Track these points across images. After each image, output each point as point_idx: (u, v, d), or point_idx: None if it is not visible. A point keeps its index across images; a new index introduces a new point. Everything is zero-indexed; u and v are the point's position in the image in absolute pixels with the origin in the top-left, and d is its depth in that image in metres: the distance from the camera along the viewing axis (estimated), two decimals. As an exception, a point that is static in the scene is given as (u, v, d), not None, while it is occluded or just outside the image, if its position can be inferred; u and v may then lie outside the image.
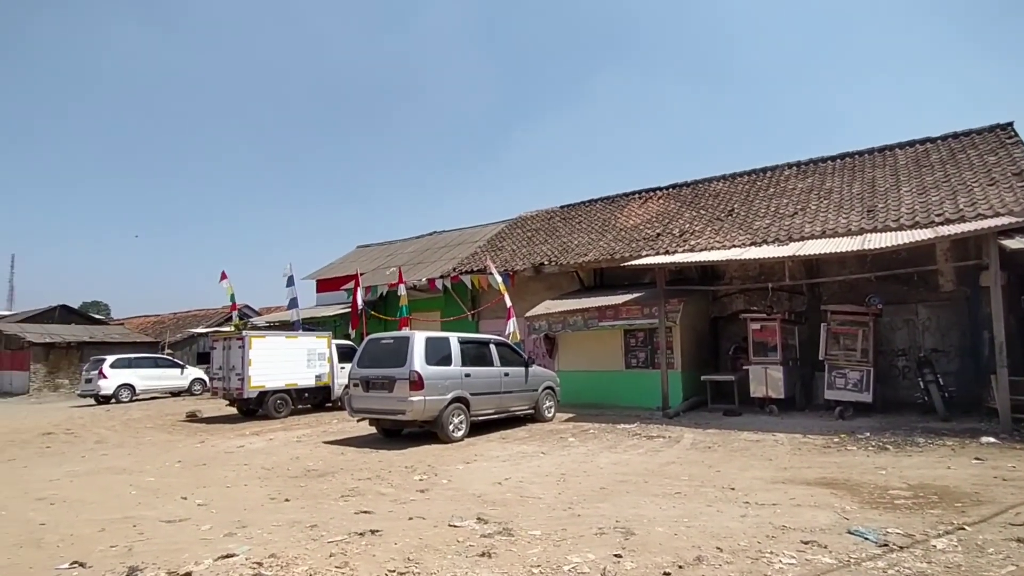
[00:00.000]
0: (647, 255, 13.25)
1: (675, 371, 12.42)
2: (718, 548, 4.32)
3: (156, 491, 6.80)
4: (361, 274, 16.87)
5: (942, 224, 10.36)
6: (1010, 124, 13.44)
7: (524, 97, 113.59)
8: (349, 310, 16.88)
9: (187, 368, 22.28)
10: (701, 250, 12.75)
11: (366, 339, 10.43)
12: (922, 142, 14.38)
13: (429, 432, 9.60)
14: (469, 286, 16.43)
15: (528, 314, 14.06)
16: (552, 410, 11.71)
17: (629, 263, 12.74)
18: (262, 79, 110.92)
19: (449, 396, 9.41)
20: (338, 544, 4.60)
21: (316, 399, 14.81)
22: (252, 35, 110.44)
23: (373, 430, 10.50)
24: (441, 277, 17.11)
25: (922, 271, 10.80)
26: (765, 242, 12.09)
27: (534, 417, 11.40)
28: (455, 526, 5.00)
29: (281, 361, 13.74)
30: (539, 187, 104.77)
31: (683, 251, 12.99)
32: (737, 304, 13.54)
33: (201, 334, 28.16)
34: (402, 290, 15.29)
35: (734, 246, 12.40)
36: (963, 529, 4.62)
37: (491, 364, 10.44)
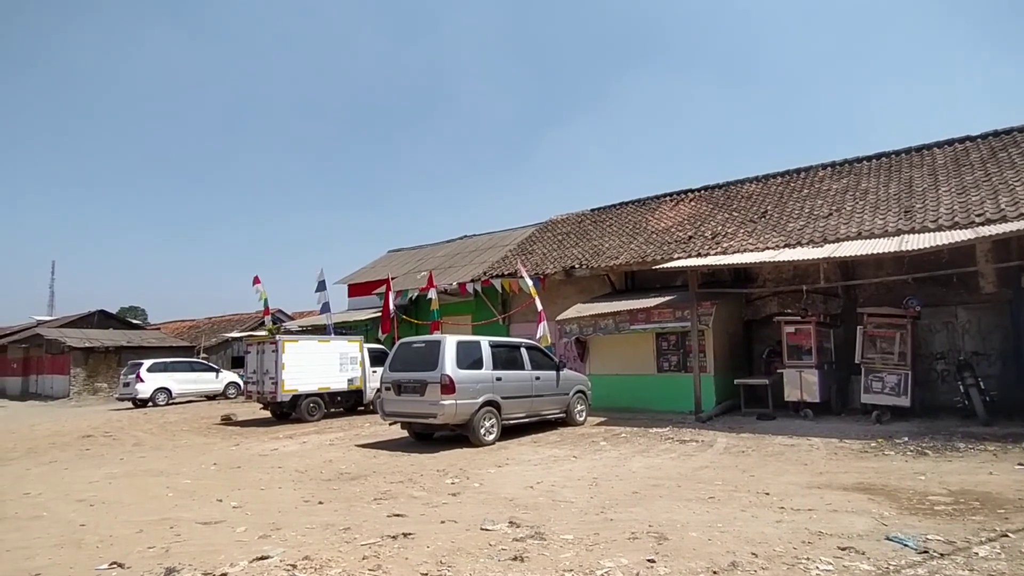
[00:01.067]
0: (679, 257, 13.18)
1: (708, 375, 12.31)
2: (753, 554, 4.30)
3: (192, 493, 6.98)
4: (392, 278, 17.18)
5: (983, 224, 10.08)
6: (1054, 120, 12.98)
7: (552, 100, 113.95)
8: (380, 314, 17.18)
9: (222, 372, 22.86)
10: (734, 252, 12.63)
11: (397, 343, 10.61)
12: (961, 141, 14.00)
13: (460, 436, 9.71)
14: (500, 290, 16.56)
15: (559, 318, 14.11)
16: (584, 414, 11.72)
17: (660, 266, 12.68)
18: (295, 84, 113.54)
19: (480, 400, 9.52)
20: (371, 547, 4.69)
21: (348, 403, 15.06)
22: (284, 41, 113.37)
23: (405, 434, 10.66)
24: (472, 281, 17.28)
25: (962, 273, 10.47)
26: (799, 244, 11.91)
27: (565, 421, 11.41)
28: (487, 529, 5.08)
29: (314, 365, 14.03)
30: (569, 190, 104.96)
31: (715, 253, 12.88)
32: (771, 307, 13.35)
33: (235, 338, 28.96)
34: (433, 294, 15.51)
35: (767, 248, 12.25)
36: (1006, 536, 4.51)
37: (522, 368, 10.51)
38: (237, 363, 27.30)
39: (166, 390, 20.28)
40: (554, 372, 11.04)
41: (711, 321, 12.07)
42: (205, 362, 23.95)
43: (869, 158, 15.01)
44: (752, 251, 12.35)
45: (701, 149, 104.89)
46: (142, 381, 19.73)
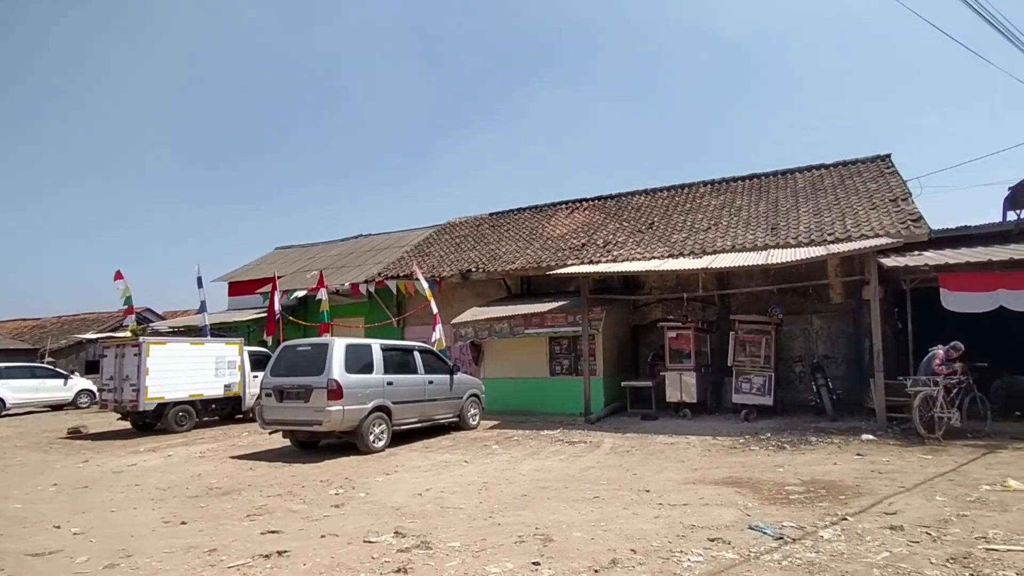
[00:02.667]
0: (572, 264, 13.58)
1: (597, 377, 12.76)
2: (632, 550, 4.46)
3: (22, 520, 6.03)
4: (279, 277, 16.17)
5: (833, 243, 11.29)
6: (888, 155, 14.98)
7: (453, 104, 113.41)
8: (265, 315, 16.11)
9: (72, 378, 20.01)
10: (623, 260, 13.23)
11: (281, 346, 9.99)
12: (817, 168, 15.67)
13: (349, 443, 9.31)
14: (395, 292, 16.15)
15: (454, 321, 14.01)
16: (477, 418, 11.69)
17: (554, 271, 13.00)
18: (172, 65, 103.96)
19: (370, 405, 9.17)
20: (239, 569, 4.33)
21: (225, 410, 13.92)
22: (165, 25, 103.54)
23: (287, 443, 10.05)
24: (366, 282, 16.70)
25: (816, 285, 11.72)
26: (682, 254, 12.70)
27: (459, 425, 11.32)
28: (370, 542, 4.86)
29: (184, 370, 12.80)
30: (468, 194, 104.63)
31: (606, 261, 13.42)
32: (656, 313, 14.12)
33: (90, 340, 25.74)
34: (323, 295, 14.80)
35: (653, 257, 12.95)
36: (846, 520, 5.05)
37: (415, 372, 10.29)
38: (92, 368, 24.30)
39: (-3, 399, 17.39)
40: (447, 376, 10.92)
41: (601, 326, 12.54)
42: (50, 367, 21.00)
43: (743, 178, 16.39)
44: (640, 260, 13.01)
45: (596, 160, 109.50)
46: (-37, 390, 16.77)
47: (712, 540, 4.60)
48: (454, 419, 11.18)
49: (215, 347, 13.64)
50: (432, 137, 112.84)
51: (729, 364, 11.72)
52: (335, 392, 8.74)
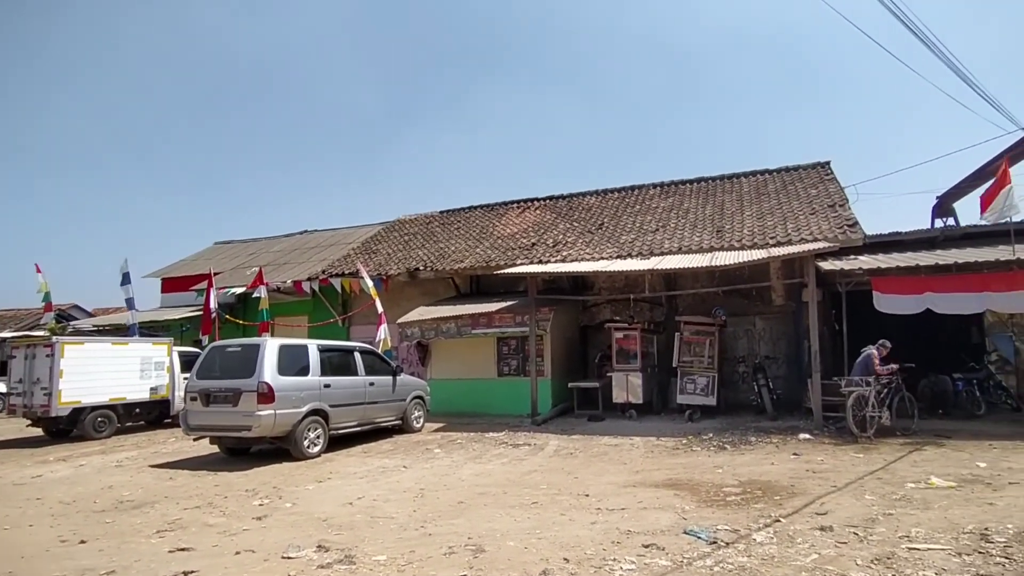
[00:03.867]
0: (521, 263, 13.43)
1: (545, 378, 12.64)
2: (565, 559, 4.31)
3: None
4: (216, 273, 15.39)
5: (775, 246, 11.52)
6: (828, 163, 15.47)
7: (408, 101, 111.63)
8: (200, 313, 15.30)
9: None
10: (572, 261, 13.16)
11: (207, 347, 9.45)
12: (762, 173, 16.03)
13: (282, 449, 8.86)
14: (340, 290, 15.61)
15: (400, 320, 13.64)
16: (421, 420, 11.39)
17: (503, 271, 12.82)
18: (100, 44, 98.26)
19: (304, 409, 8.74)
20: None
21: (152, 415, 13.06)
22: (100, 4, 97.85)
23: (216, 449, 9.50)
24: (309, 279, 16.10)
25: (759, 287, 11.94)
26: (630, 255, 12.73)
27: (402, 428, 11.00)
28: (289, 558, 4.53)
29: (104, 372, 11.90)
30: (420, 191, 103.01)
31: (555, 261, 13.32)
32: (604, 314, 14.12)
33: (2, 339, 23.86)
34: (263, 292, 14.15)
35: (602, 258, 12.93)
36: (779, 521, 5.04)
37: (355, 373, 9.90)
38: (2, 370, 22.42)
39: None
40: (390, 377, 10.57)
41: (549, 326, 12.43)
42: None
43: (691, 181, 16.62)
44: (589, 260, 12.97)
45: (549, 160, 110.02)
46: None
47: (647, 546, 4.49)
48: (397, 422, 10.85)
49: (141, 347, 12.82)
50: (384, 133, 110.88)
51: (675, 365, 11.81)
52: (266, 395, 8.28)
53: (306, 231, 22.99)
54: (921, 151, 79.00)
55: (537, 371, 12.34)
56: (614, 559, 4.26)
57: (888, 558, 4.07)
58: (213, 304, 14.20)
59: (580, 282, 14.31)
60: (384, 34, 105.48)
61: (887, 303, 9.43)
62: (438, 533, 5.09)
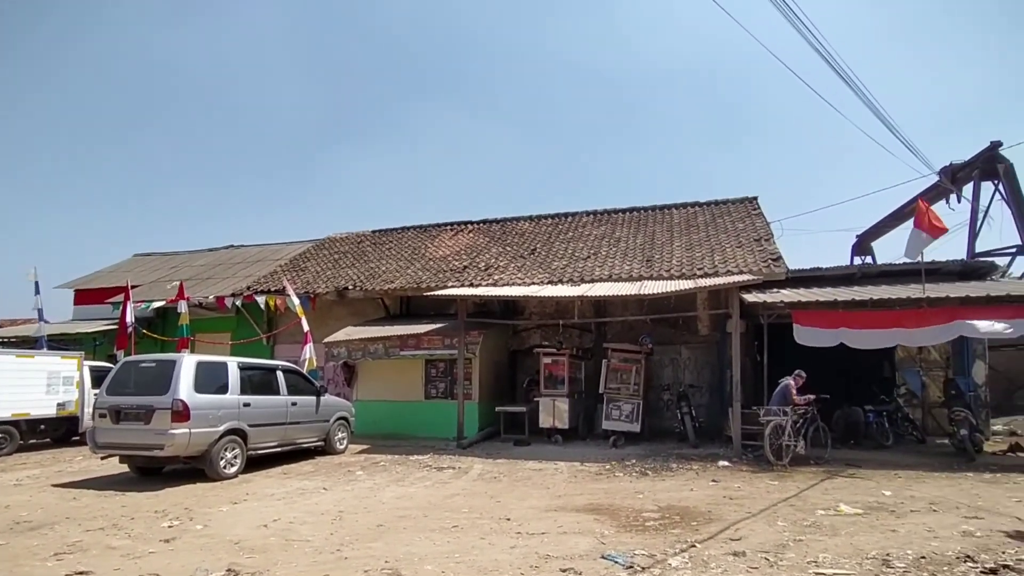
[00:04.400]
0: (453, 286, 13.46)
1: (472, 402, 12.62)
2: (481, 583, 4.32)
3: None
4: (134, 286, 14.51)
5: (702, 277, 12.06)
6: (755, 198, 16.39)
7: (344, 119, 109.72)
8: (116, 327, 14.35)
9: None
10: (504, 285, 13.31)
11: (119, 363, 8.93)
12: (692, 205, 16.78)
13: (198, 469, 8.42)
14: (264, 307, 15.07)
15: (327, 340, 13.30)
16: (345, 442, 11.11)
17: (434, 293, 12.81)
18: (21, 52, 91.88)
19: (222, 428, 8.37)
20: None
21: (58, 432, 12.21)
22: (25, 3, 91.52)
23: (126, 468, 8.92)
24: (233, 295, 15.46)
25: (686, 316, 12.46)
26: (561, 281, 13.00)
27: (325, 450, 10.70)
28: (193, 583, 4.32)
29: (7, 385, 11.07)
30: (353, 210, 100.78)
31: (487, 285, 13.44)
32: (534, 339, 14.31)
33: None
34: (183, 307, 13.45)
35: (534, 283, 13.15)
36: (694, 547, 5.21)
37: (277, 393, 9.59)
38: None
39: None
40: (314, 398, 10.30)
41: (478, 349, 12.47)
42: None
43: (623, 211, 17.21)
44: (520, 285, 13.16)
45: (485, 185, 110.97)
46: None
47: (564, 571, 4.56)
48: (320, 443, 10.55)
49: (48, 361, 11.98)
50: (314, 149, 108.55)
51: (601, 391, 12.07)
52: (181, 413, 7.89)
53: (232, 246, 22.13)
54: (843, 191, 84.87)
55: (465, 394, 12.32)
56: (530, 582, 4.31)
57: (762, 582, 4.28)
58: (130, 318, 13.34)
59: (511, 306, 14.47)
60: (317, 49, 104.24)
61: (806, 336, 9.84)
62: (354, 556, 4.99)
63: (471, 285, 13.48)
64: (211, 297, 15.58)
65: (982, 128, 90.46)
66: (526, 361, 14.35)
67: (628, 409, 11.79)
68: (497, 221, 18.17)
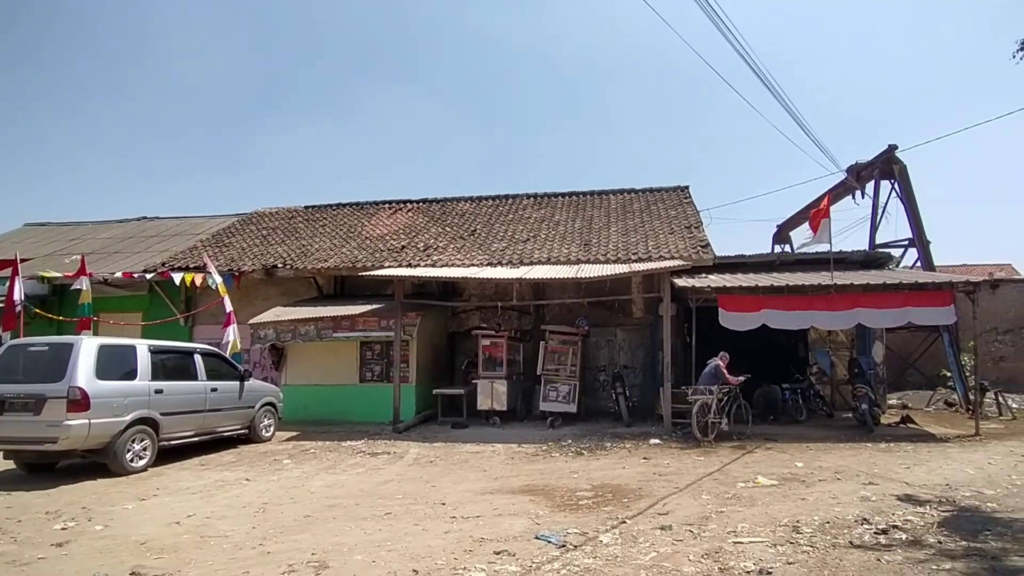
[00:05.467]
0: (390, 266, 13.00)
1: (409, 385, 12.29)
2: (414, 571, 4.13)
3: None
4: (23, 260, 13.09)
5: (637, 262, 12.25)
6: (687, 187, 16.84)
7: (278, 91, 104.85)
8: (2, 305, 12.91)
9: None
10: (443, 266, 12.99)
11: (4, 346, 7.98)
12: (628, 192, 17.05)
13: (100, 463, 7.69)
14: (181, 285, 14.02)
15: (252, 321, 12.54)
16: (271, 429, 10.54)
17: (370, 272, 12.32)
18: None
19: (128, 418, 7.65)
20: None
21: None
22: None
23: (12, 465, 8.03)
24: (145, 271, 14.30)
25: (621, 300, 12.61)
26: (500, 263, 12.85)
27: (249, 438, 10.10)
28: (89, 589, 3.87)
29: None
30: (282, 183, 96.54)
31: (425, 265, 13.07)
32: (473, 321, 14.07)
33: None
34: (84, 284, 12.24)
35: (473, 264, 12.91)
36: (624, 523, 5.25)
37: (194, 378, 8.89)
38: None
39: None
40: (237, 383, 9.65)
41: (416, 331, 12.13)
42: None
43: (563, 195, 17.23)
44: (459, 266, 12.88)
45: (425, 164, 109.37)
46: None
47: (498, 553, 4.44)
48: (244, 431, 9.94)
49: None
50: (248, 120, 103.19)
51: (539, 373, 12.06)
52: (79, 403, 7.13)
53: (145, 218, 20.47)
54: (766, 183, 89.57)
55: (402, 377, 11.97)
56: (464, 568, 4.15)
57: (716, 552, 4.38)
58: (18, 295, 12.02)
59: (450, 288, 14.18)
60: (249, 13, 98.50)
61: (730, 319, 10.33)
62: (278, 551, 4.66)
63: (409, 265, 13.06)
64: (118, 273, 14.31)
65: (899, 130, 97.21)
66: (465, 343, 14.12)
67: (565, 390, 11.84)
68: (437, 201, 17.75)
